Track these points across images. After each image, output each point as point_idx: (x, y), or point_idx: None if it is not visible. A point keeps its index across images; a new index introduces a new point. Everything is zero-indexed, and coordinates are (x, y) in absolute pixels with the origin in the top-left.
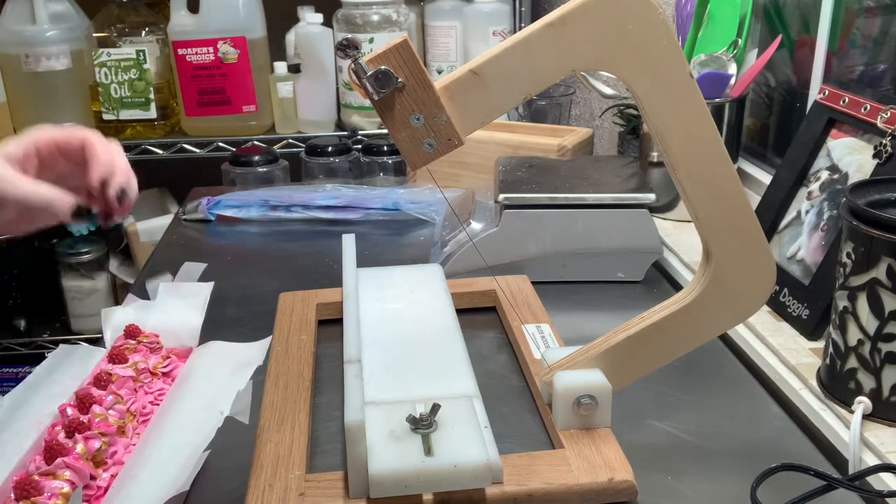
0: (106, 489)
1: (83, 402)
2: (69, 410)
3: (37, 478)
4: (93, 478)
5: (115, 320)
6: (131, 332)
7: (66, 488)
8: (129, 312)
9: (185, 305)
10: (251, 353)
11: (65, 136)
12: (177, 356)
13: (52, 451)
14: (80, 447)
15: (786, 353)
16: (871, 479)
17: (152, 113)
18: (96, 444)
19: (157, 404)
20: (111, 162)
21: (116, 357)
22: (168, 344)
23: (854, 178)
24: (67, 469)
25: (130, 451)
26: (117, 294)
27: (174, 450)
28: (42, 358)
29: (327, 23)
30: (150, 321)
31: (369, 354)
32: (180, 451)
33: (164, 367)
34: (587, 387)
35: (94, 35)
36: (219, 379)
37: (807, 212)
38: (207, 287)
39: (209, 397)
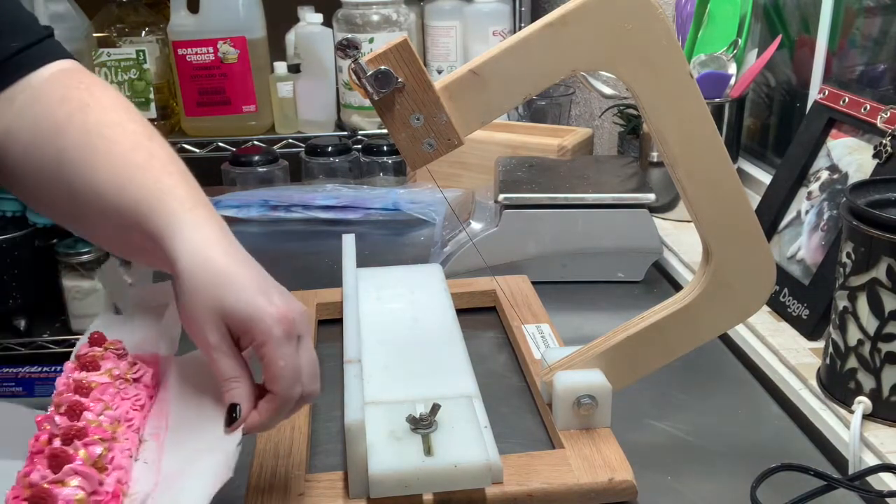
0: (113, 494)
1: (72, 409)
2: (57, 419)
3: (46, 486)
4: (100, 483)
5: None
6: (96, 340)
7: (81, 494)
8: (99, 326)
9: (145, 310)
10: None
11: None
12: (143, 361)
13: (56, 459)
14: (82, 453)
15: (786, 353)
16: (871, 479)
17: (152, 113)
18: (97, 449)
19: (137, 410)
20: (277, 417)
21: (89, 364)
22: (131, 349)
23: (854, 178)
24: (76, 476)
25: (127, 455)
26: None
27: (213, 457)
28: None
29: (327, 23)
30: (125, 329)
31: (369, 354)
32: (219, 456)
33: (134, 373)
34: (587, 387)
35: (94, 35)
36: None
37: (807, 212)
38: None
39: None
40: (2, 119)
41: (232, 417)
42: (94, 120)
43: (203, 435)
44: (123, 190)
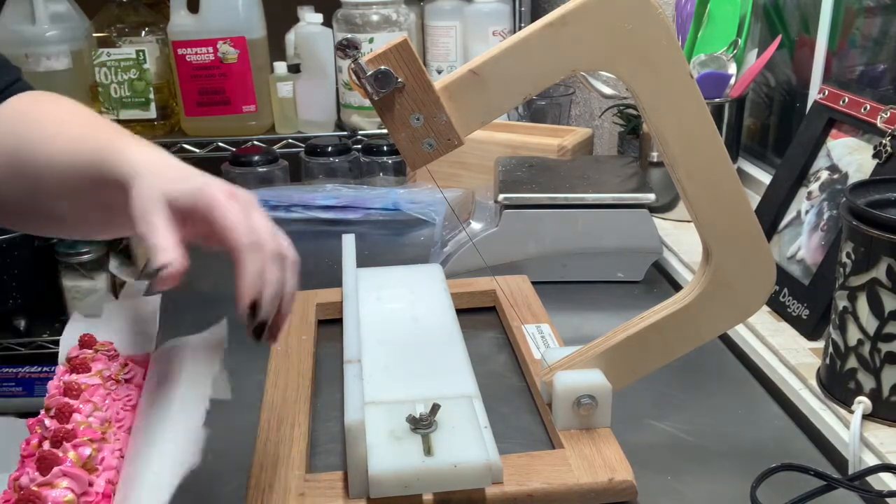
0: (104, 495)
1: (62, 412)
2: (47, 422)
3: (36, 489)
4: (90, 484)
5: (66, 340)
6: (86, 342)
7: (70, 496)
8: (79, 328)
9: (136, 314)
10: (213, 337)
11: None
12: (134, 363)
13: (45, 462)
14: (72, 455)
15: (786, 353)
16: (870, 479)
17: (152, 113)
18: (87, 451)
19: (128, 410)
20: (258, 273)
21: (80, 366)
22: (124, 351)
23: (854, 178)
24: (65, 477)
25: (117, 455)
26: (117, 294)
27: (174, 438)
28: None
29: (327, 23)
30: (100, 330)
31: (369, 354)
32: (179, 438)
33: (126, 374)
34: (587, 387)
35: (94, 35)
36: (193, 371)
37: (807, 212)
38: (155, 298)
39: (189, 389)
40: None
41: (157, 274)
42: (46, 107)
43: (167, 424)
44: (81, 148)
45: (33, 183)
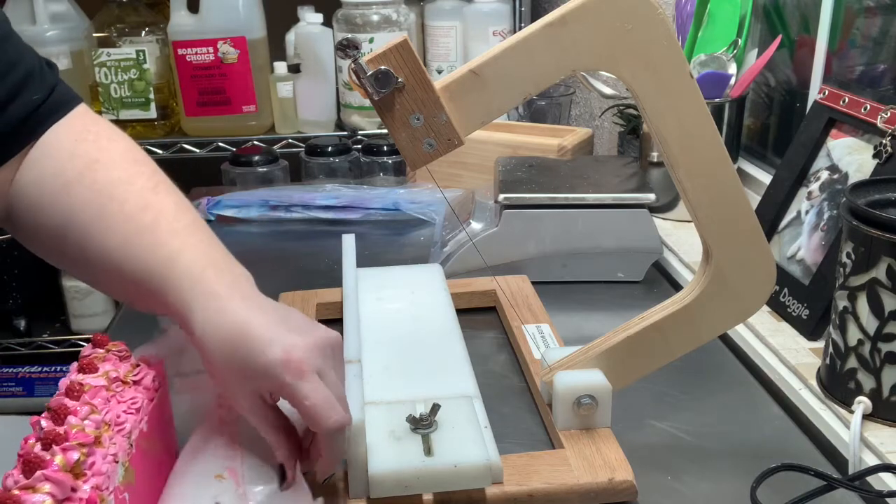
0: (87, 501)
1: (57, 413)
2: (43, 423)
3: (16, 492)
4: (73, 490)
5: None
6: (99, 342)
7: (49, 501)
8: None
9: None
10: None
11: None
12: (146, 364)
13: (30, 465)
14: (58, 459)
15: (786, 353)
16: (870, 479)
17: (152, 113)
18: (75, 455)
19: (131, 413)
20: (340, 453)
21: (87, 367)
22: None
23: (854, 178)
24: (47, 482)
25: (110, 461)
26: None
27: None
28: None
29: (327, 23)
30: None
31: (369, 354)
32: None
33: (135, 375)
34: (587, 387)
35: (94, 35)
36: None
37: (807, 212)
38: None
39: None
40: (13, 172)
41: (282, 476)
42: (102, 179)
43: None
44: (134, 258)
45: (82, 257)
